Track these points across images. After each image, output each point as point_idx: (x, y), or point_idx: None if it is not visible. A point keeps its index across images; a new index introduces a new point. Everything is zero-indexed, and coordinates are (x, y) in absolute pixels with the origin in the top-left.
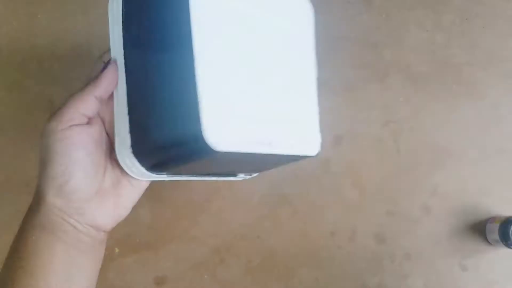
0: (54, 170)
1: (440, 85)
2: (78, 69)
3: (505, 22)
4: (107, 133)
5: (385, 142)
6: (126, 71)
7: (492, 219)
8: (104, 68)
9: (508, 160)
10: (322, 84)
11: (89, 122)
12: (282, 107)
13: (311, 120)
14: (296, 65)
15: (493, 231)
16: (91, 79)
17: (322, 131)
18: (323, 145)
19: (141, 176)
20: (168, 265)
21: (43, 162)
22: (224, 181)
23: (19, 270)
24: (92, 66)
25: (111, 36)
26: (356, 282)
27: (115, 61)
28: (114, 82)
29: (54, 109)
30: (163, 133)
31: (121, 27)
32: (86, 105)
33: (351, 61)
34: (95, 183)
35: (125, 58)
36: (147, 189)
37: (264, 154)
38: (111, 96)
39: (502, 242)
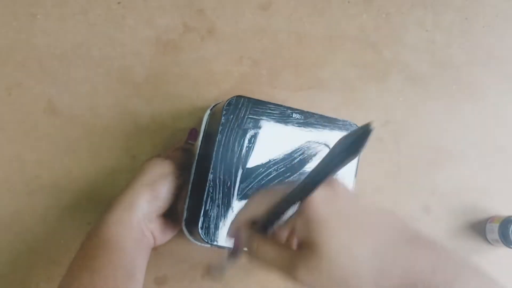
0: (158, 187)
1: (440, 85)
2: (78, 69)
3: (505, 22)
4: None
5: (385, 142)
6: (196, 164)
7: (492, 219)
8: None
9: (508, 160)
10: (322, 84)
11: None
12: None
13: None
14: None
15: (493, 231)
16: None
17: None
18: None
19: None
20: (168, 265)
21: (150, 180)
22: None
23: (99, 250)
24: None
25: (200, 134)
26: None
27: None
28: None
29: (53, 109)
30: (194, 221)
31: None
32: (181, 162)
33: (351, 61)
34: (165, 207)
35: (198, 155)
36: None
37: None
38: None
39: (502, 242)
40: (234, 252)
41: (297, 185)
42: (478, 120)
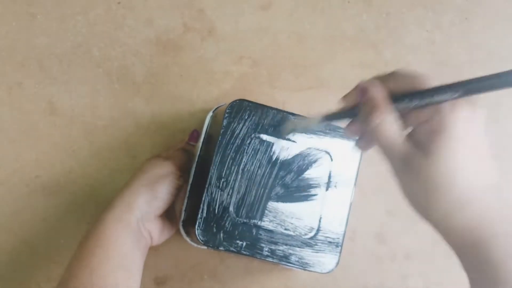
0: (158, 187)
1: None
2: (78, 69)
3: (505, 22)
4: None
5: None
6: (196, 166)
7: None
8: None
9: (508, 160)
10: (322, 84)
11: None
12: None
13: (334, 239)
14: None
15: None
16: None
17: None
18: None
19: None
20: (168, 265)
21: (150, 180)
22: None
23: (97, 249)
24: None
25: (201, 136)
26: (356, 282)
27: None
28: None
29: (53, 109)
30: (192, 222)
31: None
32: (182, 163)
33: (351, 61)
34: (164, 208)
35: (198, 156)
36: None
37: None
38: None
39: None
40: (347, 113)
41: (457, 83)
42: None
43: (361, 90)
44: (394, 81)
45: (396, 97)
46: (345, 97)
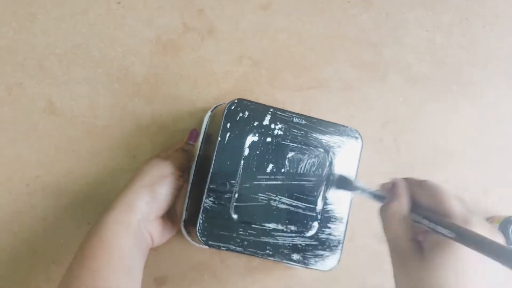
0: (158, 188)
1: (440, 85)
2: (78, 69)
3: (505, 22)
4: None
5: (385, 142)
6: (195, 165)
7: (492, 219)
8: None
9: (508, 160)
10: (322, 84)
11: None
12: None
13: (335, 237)
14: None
15: None
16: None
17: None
18: None
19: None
20: (168, 265)
21: (150, 181)
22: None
23: (99, 251)
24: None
25: (201, 135)
26: (356, 282)
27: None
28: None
29: (53, 109)
30: (193, 222)
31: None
32: (181, 163)
33: (351, 61)
34: (164, 209)
35: (198, 156)
36: None
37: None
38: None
39: None
40: (379, 197)
41: (466, 233)
42: (478, 120)
43: (392, 184)
44: (420, 189)
45: (414, 209)
46: (382, 185)
